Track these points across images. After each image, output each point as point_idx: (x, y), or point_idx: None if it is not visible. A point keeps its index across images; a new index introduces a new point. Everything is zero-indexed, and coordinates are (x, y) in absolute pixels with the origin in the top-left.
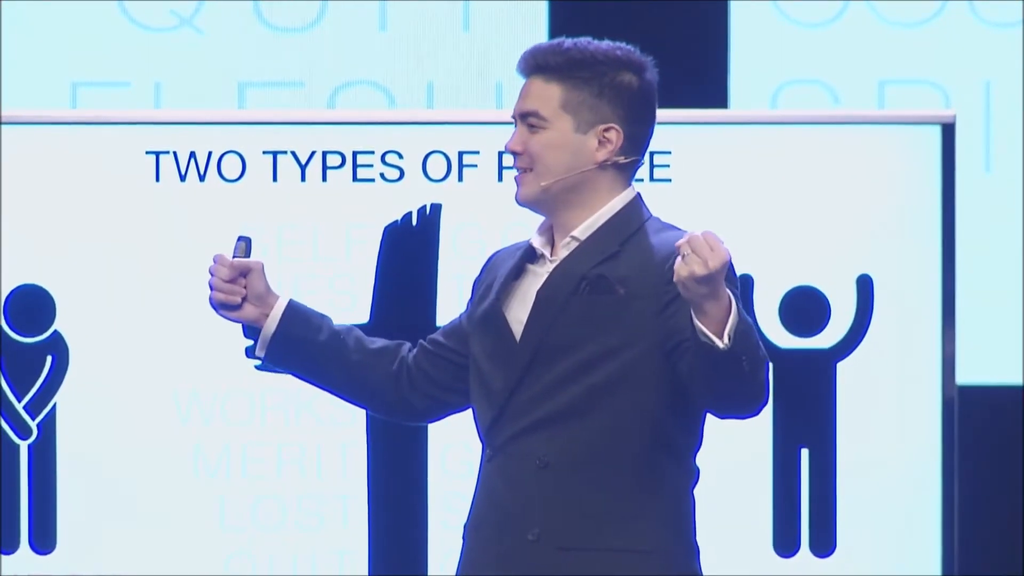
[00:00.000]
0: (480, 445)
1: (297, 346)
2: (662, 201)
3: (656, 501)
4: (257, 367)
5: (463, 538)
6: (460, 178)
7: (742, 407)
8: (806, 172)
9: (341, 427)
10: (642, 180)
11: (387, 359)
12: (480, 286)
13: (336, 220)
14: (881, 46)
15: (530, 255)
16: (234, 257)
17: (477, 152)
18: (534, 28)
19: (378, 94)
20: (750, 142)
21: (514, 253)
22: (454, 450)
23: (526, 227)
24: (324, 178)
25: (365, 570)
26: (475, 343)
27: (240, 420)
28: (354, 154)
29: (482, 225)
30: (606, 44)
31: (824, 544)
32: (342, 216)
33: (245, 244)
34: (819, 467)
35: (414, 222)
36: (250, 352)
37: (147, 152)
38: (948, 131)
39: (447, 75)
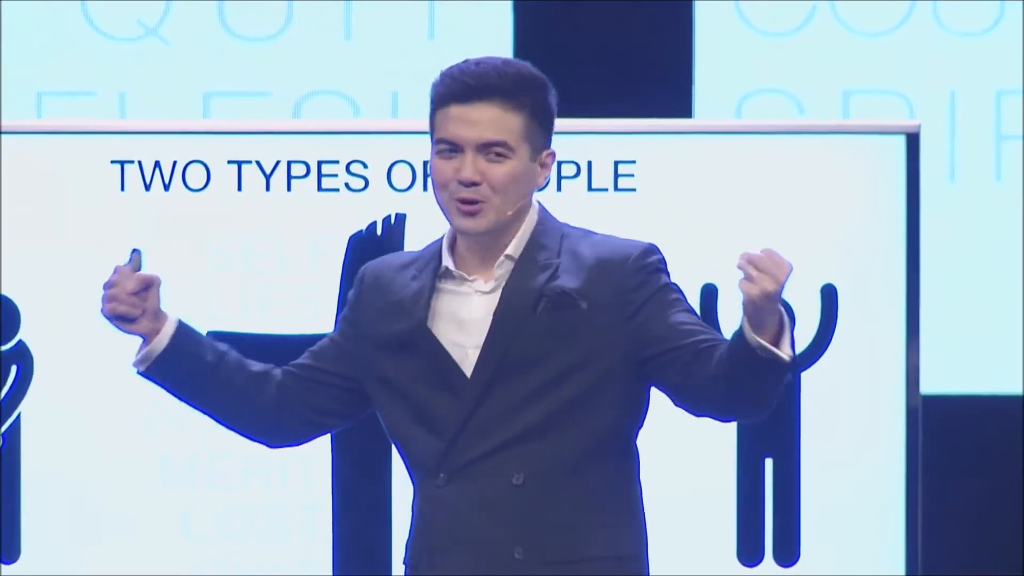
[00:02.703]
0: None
1: (184, 364)
2: (627, 211)
3: (625, 506)
4: (141, 374)
5: (411, 563)
6: (425, 188)
7: (762, 412)
8: (771, 182)
9: None
10: (607, 190)
11: (268, 383)
12: (363, 304)
13: (301, 230)
14: (846, 56)
15: (441, 274)
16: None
17: None
18: (499, 37)
19: (343, 103)
20: (715, 152)
21: (403, 270)
22: None
23: None
24: (289, 188)
25: (329, 572)
26: (387, 365)
27: (206, 429)
28: (319, 164)
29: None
30: (518, 62)
31: (788, 553)
32: (307, 226)
33: (138, 256)
34: (783, 476)
35: (379, 232)
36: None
37: (112, 161)
38: (912, 141)
39: (412, 84)
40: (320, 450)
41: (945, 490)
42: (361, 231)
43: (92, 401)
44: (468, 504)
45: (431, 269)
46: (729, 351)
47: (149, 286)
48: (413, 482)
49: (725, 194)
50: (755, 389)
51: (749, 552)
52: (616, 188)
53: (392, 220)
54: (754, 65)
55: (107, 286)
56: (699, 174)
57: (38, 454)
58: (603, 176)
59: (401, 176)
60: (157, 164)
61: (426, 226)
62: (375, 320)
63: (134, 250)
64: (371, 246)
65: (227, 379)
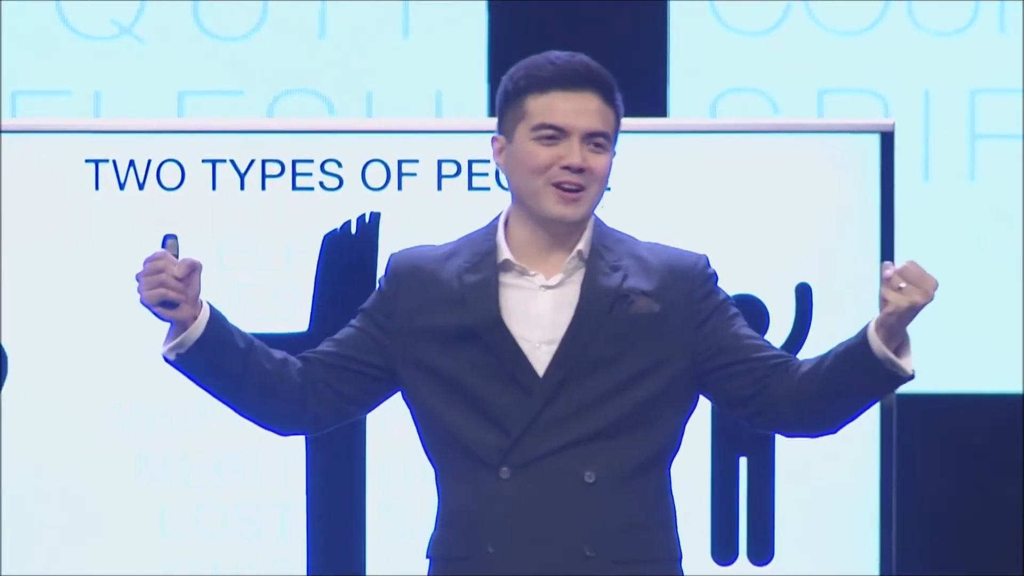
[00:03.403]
0: (462, 460)
1: (218, 351)
2: (603, 209)
3: (673, 509)
4: (170, 364)
5: (455, 556)
6: (399, 187)
7: (838, 428)
8: (745, 181)
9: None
10: None
11: (292, 370)
12: (400, 294)
13: (275, 229)
14: (820, 55)
15: (500, 265)
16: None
17: (416, 161)
18: (474, 36)
19: (318, 102)
20: (689, 151)
21: (447, 261)
22: (393, 458)
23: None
24: (263, 187)
25: (303, 572)
26: (437, 356)
27: (181, 428)
28: (293, 162)
29: (421, 234)
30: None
31: (762, 551)
32: (281, 225)
33: (175, 242)
34: (758, 475)
35: (353, 231)
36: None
37: (87, 160)
38: (887, 140)
39: (386, 83)
40: (294, 447)
41: (918, 489)
42: (335, 230)
43: (68, 400)
44: (536, 499)
45: (490, 261)
46: (842, 361)
47: (193, 271)
48: (447, 472)
49: (700, 193)
50: (861, 400)
51: (723, 551)
52: None
53: (367, 219)
54: (729, 64)
55: (150, 272)
56: (674, 173)
57: (14, 453)
58: None
59: (375, 175)
60: (132, 163)
61: (400, 225)
62: (421, 310)
63: (168, 236)
64: (345, 245)
65: (257, 366)
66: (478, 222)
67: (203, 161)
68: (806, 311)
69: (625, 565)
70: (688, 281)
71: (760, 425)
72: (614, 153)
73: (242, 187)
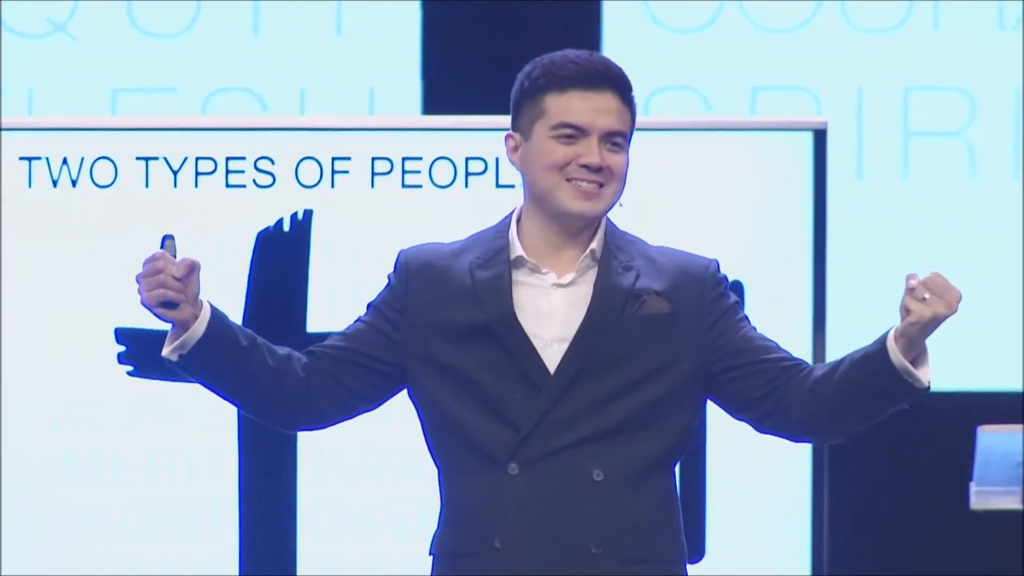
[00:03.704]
0: (467, 457)
1: (220, 350)
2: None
3: (679, 510)
4: (172, 366)
5: (460, 551)
6: (332, 184)
7: (850, 436)
8: (678, 178)
9: (212, 433)
10: (514, 186)
11: (296, 366)
12: (412, 290)
13: (208, 226)
14: (753, 52)
15: (513, 262)
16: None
17: (349, 158)
18: (407, 34)
19: (251, 100)
20: None
21: (457, 258)
22: (325, 456)
23: (400, 234)
24: (196, 184)
25: (236, 572)
26: (449, 352)
27: (112, 427)
28: (226, 160)
29: (354, 231)
30: None
31: (693, 550)
32: (214, 222)
33: (172, 242)
34: (690, 474)
35: (286, 228)
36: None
37: (20, 158)
38: (820, 137)
39: (320, 81)
40: (226, 445)
41: (849, 485)
42: (268, 227)
43: None
44: (544, 497)
45: (502, 258)
46: (858, 368)
47: (192, 271)
48: (453, 469)
49: (633, 190)
50: (875, 408)
51: None
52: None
53: (299, 216)
54: (662, 62)
55: (149, 273)
56: None
57: None
58: (511, 172)
59: (309, 172)
60: (65, 160)
61: (333, 222)
62: (434, 306)
63: (167, 236)
64: (278, 242)
65: (260, 363)
66: (410, 220)
67: (136, 159)
68: None
69: (631, 564)
70: (699, 284)
71: (769, 428)
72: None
73: (175, 185)
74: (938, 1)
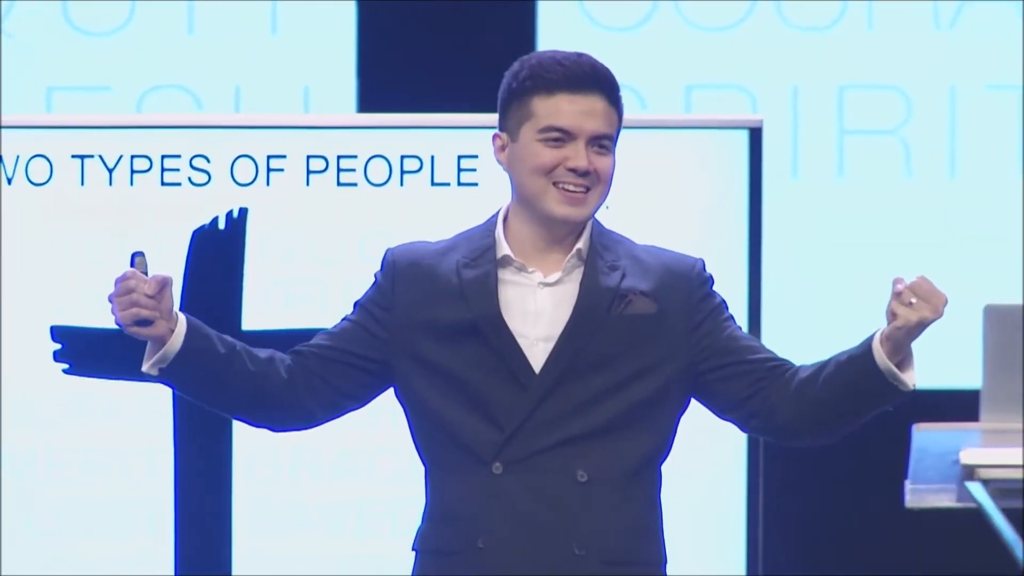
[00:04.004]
0: (458, 455)
1: (200, 361)
2: (470, 205)
3: (660, 511)
4: (155, 379)
5: (444, 549)
6: (268, 182)
7: (836, 438)
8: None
9: (148, 431)
10: (449, 184)
11: (277, 367)
12: (399, 288)
13: (144, 224)
14: (689, 51)
15: (499, 261)
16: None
17: (284, 156)
18: (343, 32)
19: (186, 98)
20: None
21: (444, 256)
22: (260, 454)
23: (337, 232)
24: (132, 182)
25: (171, 571)
26: (436, 350)
27: (47, 425)
28: (162, 158)
29: (289, 229)
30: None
31: None
32: (150, 220)
33: (143, 259)
34: None
35: (222, 226)
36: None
37: None
38: (755, 136)
39: (255, 79)
40: (162, 443)
41: (785, 484)
42: (204, 225)
43: None
44: (529, 495)
45: (489, 257)
46: (843, 370)
47: (164, 287)
48: (439, 467)
49: None
50: (859, 411)
51: None
52: (459, 183)
53: (235, 214)
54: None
55: (121, 293)
56: None
57: None
58: (446, 170)
59: (244, 170)
60: (0, 159)
61: (268, 220)
62: (421, 305)
63: (136, 253)
64: (214, 240)
65: (241, 369)
66: (345, 217)
67: (72, 156)
68: None
69: (613, 566)
70: (686, 283)
71: (755, 429)
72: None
73: (111, 183)
74: (873, 1)
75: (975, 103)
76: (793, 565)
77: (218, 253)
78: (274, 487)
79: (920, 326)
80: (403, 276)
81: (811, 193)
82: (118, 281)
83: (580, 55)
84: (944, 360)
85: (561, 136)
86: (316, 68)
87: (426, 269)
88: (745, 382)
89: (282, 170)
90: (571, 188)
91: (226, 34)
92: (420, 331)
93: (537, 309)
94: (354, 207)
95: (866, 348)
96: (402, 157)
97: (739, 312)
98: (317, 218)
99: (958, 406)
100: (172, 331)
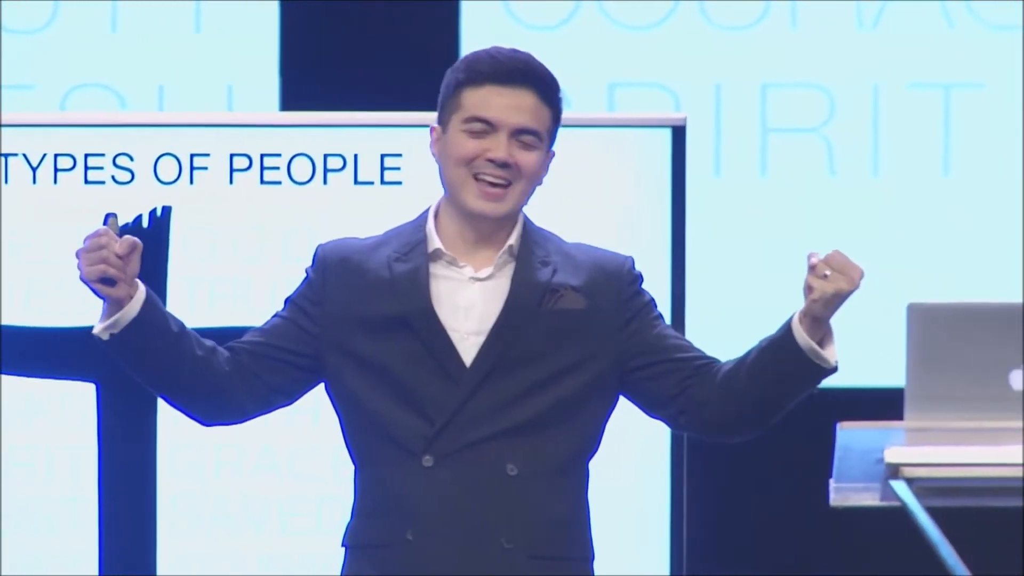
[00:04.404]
0: (386, 447)
1: (152, 332)
2: (393, 204)
3: (588, 507)
4: (103, 345)
5: (375, 541)
6: (191, 181)
7: (763, 428)
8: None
9: (71, 430)
10: (373, 183)
11: (221, 359)
12: (330, 284)
13: (67, 223)
14: (611, 49)
15: (430, 256)
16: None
17: (208, 155)
18: (266, 31)
19: (110, 96)
20: None
21: (375, 251)
22: (183, 453)
23: (260, 230)
24: (55, 181)
25: (95, 571)
26: (367, 344)
27: None
28: (85, 156)
29: (213, 228)
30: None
31: None
32: (73, 219)
33: (115, 220)
34: None
35: (145, 224)
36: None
37: None
38: (678, 134)
39: (178, 77)
40: (85, 442)
41: (709, 483)
42: (128, 224)
43: None
44: (457, 489)
45: (420, 252)
46: (766, 355)
47: (134, 249)
48: (369, 461)
49: None
50: (786, 395)
51: None
52: (382, 181)
53: (159, 213)
54: None
55: (91, 248)
56: None
57: None
58: (370, 169)
59: (167, 169)
60: None
61: (192, 218)
62: (353, 299)
63: (109, 214)
64: (138, 238)
65: (189, 351)
66: (269, 216)
67: None
68: None
69: (541, 560)
70: (617, 280)
71: (684, 426)
72: (552, 153)
73: (34, 181)
74: (796, 0)
75: (897, 102)
76: (718, 564)
77: (142, 251)
78: (198, 486)
79: (837, 298)
80: (334, 271)
81: (734, 191)
82: (89, 237)
83: (518, 52)
84: (867, 359)
85: (484, 127)
86: (239, 67)
87: (357, 264)
88: (673, 380)
89: (206, 168)
90: (490, 179)
91: (150, 33)
92: (351, 326)
93: (468, 303)
94: (278, 205)
95: (785, 329)
96: (325, 156)
97: (663, 310)
98: (241, 216)
99: (882, 405)
100: (131, 297)
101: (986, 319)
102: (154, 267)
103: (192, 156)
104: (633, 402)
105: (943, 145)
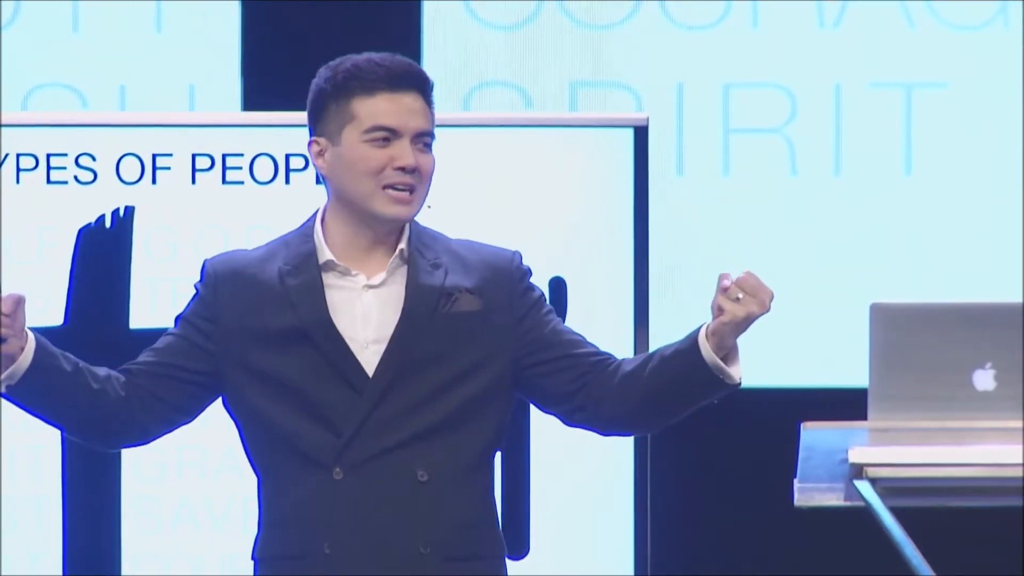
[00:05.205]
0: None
1: (46, 377)
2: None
3: (496, 504)
4: (4, 395)
5: (289, 555)
6: (154, 180)
7: (652, 432)
8: (499, 175)
9: (34, 430)
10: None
11: (116, 385)
12: (222, 299)
13: (29, 222)
14: (573, 48)
15: (322, 266)
16: None
17: (171, 155)
18: (227, 31)
19: (71, 96)
20: (443, 145)
21: (265, 263)
22: (146, 453)
23: (223, 230)
24: (18, 180)
25: (59, 570)
26: (265, 358)
27: None
28: (48, 156)
29: (175, 228)
30: None
31: (518, 546)
32: (36, 219)
33: None
34: (513, 470)
35: (108, 224)
36: None
37: None
38: (640, 134)
39: (140, 77)
40: (49, 441)
41: (673, 482)
42: (90, 224)
43: None
44: (371, 499)
45: (312, 263)
46: (669, 364)
47: (19, 305)
48: (274, 475)
49: (452, 188)
50: (685, 404)
51: None
52: None
53: (121, 213)
54: (482, 59)
55: None
56: None
57: None
58: None
59: (130, 169)
60: None
61: (154, 218)
62: (247, 313)
63: None
64: (100, 239)
65: (84, 386)
66: (231, 216)
67: None
68: (561, 305)
69: (456, 563)
70: (507, 277)
71: (579, 422)
72: None
73: None
74: (757, 0)
75: (859, 101)
76: (682, 565)
77: (105, 252)
78: (161, 485)
79: (747, 321)
80: (225, 285)
81: (696, 191)
82: None
83: (393, 56)
84: (830, 359)
85: (387, 135)
86: (201, 66)
87: (248, 278)
88: (570, 376)
89: (168, 168)
90: (399, 187)
91: (111, 32)
92: (248, 340)
93: (364, 312)
94: (240, 205)
95: (692, 343)
96: (287, 155)
97: (625, 311)
98: (203, 216)
99: (846, 405)
100: (23, 348)
101: (949, 319)
102: (117, 268)
103: (154, 156)
104: (528, 398)
105: (905, 145)
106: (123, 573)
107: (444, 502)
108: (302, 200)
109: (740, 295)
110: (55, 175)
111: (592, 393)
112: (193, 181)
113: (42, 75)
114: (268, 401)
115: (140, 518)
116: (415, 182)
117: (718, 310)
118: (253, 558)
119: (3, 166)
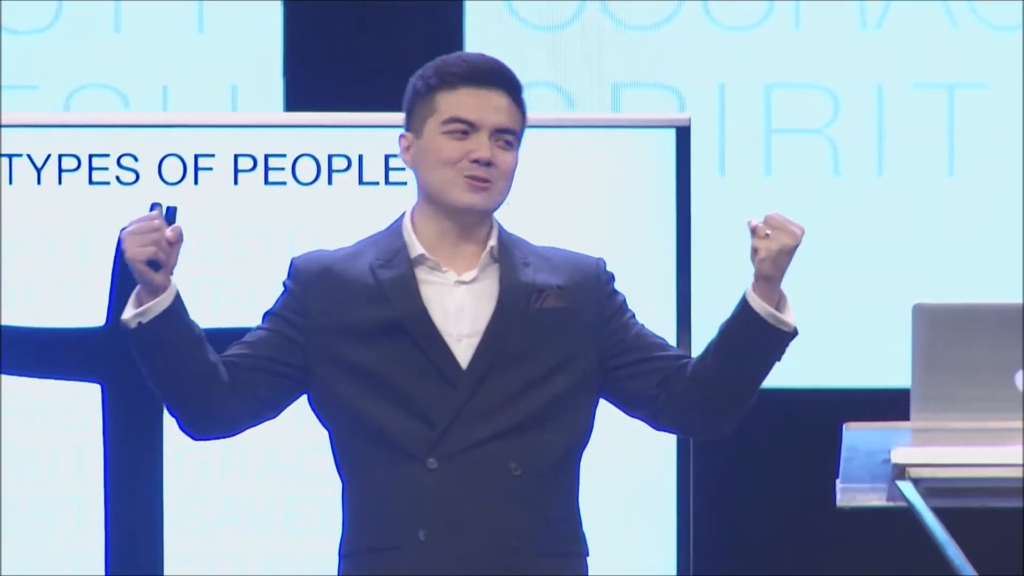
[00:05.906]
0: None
1: (176, 328)
2: (399, 204)
3: (579, 504)
4: (128, 333)
5: (383, 545)
6: (196, 181)
7: (734, 418)
8: (542, 176)
9: (77, 430)
10: (378, 183)
11: (223, 370)
12: (312, 294)
13: (72, 223)
14: (616, 49)
15: (414, 261)
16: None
17: (213, 155)
18: (270, 31)
19: (114, 97)
20: None
21: (355, 260)
22: (190, 453)
23: (265, 230)
24: (60, 181)
25: (102, 571)
26: (358, 352)
27: None
28: (90, 157)
29: (217, 229)
30: None
31: None
32: (78, 219)
33: (161, 208)
34: None
35: None
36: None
37: None
38: (683, 135)
39: (182, 78)
40: (91, 441)
41: (716, 483)
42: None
43: None
44: (465, 490)
45: (403, 257)
46: (727, 333)
47: (180, 240)
48: (366, 468)
49: None
50: (753, 369)
51: None
52: (387, 182)
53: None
54: (525, 59)
55: (144, 230)
56: None
57: None
58: (374, 170)
59: (172, 169)
60: None
61: (196, 219)
62: (338, 308)
63: (155, 203)
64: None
65: (202, 355)
66: (274, 217)
67: None
68: None
69: (549, 558)
70: (593, 280)
71: (663, 423)
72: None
73: (39, 182)
74: (799, 0)
75: (902, 102)
76: (724, 564)
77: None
78: (204, 486)
79: (783, 254)
80: (315, 282)
81: (739, 192)
82: (138, 220)
83: (484, 55)
84: (873, 359)
85: (465, 128)
86: (243, 67)
87: (338, 273)
88: (654, 379)
89: (210, 169)
90: (475, 177)
91: (153, 33)
92: (339, 335)
93: (457, 306)
94: (282, 206)
95: (741, 302)
96: (330, 156)
97: (668, 311)
98: (245, 217)
99: (888, 405)
100: (165, 289)
101: (991, 320)
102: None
103: (196, 156)
104: (613, 402)
105: (947, 145)
106: (165, 574)
107: (536, 497)
108: (344, 201)
109: (769, 232)
110: (97, 176)
111: (673, 392)
112: (235, 182)
113: (84, 76)
114: (360, 394)
115: (183, 518)
116: (491, 176)
117: (753, 252)
118: (340, 554)
119: (44, 168)
